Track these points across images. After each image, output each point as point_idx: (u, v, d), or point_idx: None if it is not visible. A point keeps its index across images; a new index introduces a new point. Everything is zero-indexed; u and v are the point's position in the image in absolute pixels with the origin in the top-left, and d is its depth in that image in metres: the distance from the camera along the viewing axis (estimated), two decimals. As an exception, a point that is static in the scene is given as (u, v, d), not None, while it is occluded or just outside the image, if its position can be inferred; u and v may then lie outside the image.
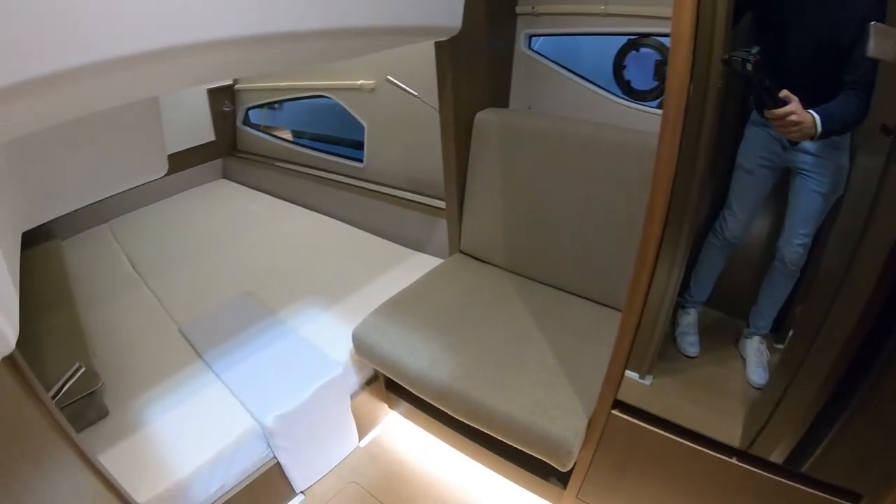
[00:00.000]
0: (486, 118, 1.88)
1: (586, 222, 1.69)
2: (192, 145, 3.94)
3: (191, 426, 1.65)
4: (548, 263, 1.83)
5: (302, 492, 1.83)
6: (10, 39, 0.69)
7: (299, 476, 1.79)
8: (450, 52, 1.72)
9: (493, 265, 1.98)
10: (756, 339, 1.39)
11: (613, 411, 1.29)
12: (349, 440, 1.95)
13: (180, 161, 3.85)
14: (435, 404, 1.57)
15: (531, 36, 1.96)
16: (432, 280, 1.93)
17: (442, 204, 2.34)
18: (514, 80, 2.00)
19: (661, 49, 1.72)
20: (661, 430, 1.23)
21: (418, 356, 1.58)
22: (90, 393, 1.65)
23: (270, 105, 3.89)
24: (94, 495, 1.13)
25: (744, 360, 1.39)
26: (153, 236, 3.20)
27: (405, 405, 1.91)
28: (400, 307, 1.79)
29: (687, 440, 1.20)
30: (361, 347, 1.74)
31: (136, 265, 2.82)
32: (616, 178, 1.60)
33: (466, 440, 1.72)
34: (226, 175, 4.18)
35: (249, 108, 3.97)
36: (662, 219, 1.01)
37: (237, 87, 3.89)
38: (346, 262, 2.50)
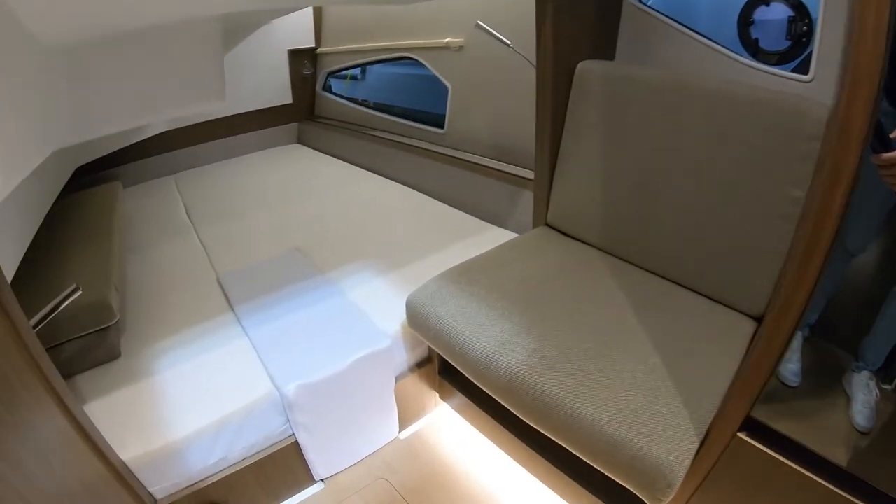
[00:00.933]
0: (589, 68, 1.56)
1: (704, 199, 1.32)
2: (268, 105, 3.92)
3: (202, 382, 1.43)
4: (652, 246, 1.46)
5: (322, 480, 1.58)
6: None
7: (321, 461, 1.52)
8: None
9: (584, 242, 1.64)
10: (865, 374, 1.21)
11: (741, 434, 0.98)
12: (387, 429, 1.66)
13: (255, 120, 3.91)
14: (497, 398, 1.24)
15: (643, -13, 1.66)
16: (510, 251, 1.60)
17: (527, 174, 2.11)
18: (620, 37, 1.70)
19: (797, 5, 1.46)
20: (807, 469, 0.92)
21: (485, 334, 1.25)
22: (102, 329, 1.51)
23: (353, 76, 3.82)
24: (68, 442, 1.00)
25: (848, 396, 1.19)
26: (215, 191, 3.16)
27: (460, 397, 1.61)
28: (468, 275, 1.47)
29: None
30: (416, 317, 1.44)
31: (191, 214, 2.77)
32: (748, 146, 1.24)
33: (528, 450, 1.39)
34: (300, 140, 4.15)
35: (330, 73, 3.90)
36: (840, 210, 0.78)
37: (319, 50, 3.84)
38: (412, 230, 2.26)
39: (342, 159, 3.48)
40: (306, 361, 1.43)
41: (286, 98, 3.98)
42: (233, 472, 1.37)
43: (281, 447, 1.44)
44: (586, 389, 1.07)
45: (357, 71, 3.77)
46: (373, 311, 1.64)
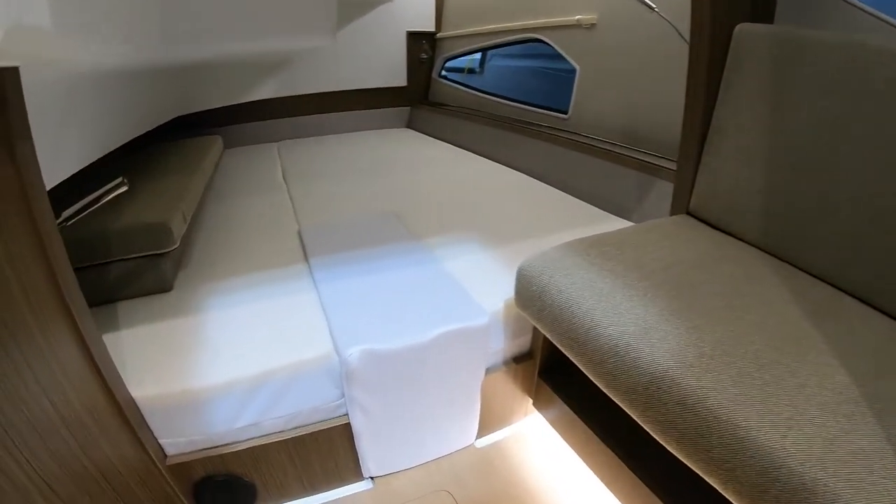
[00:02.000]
0: (751, 31, 1.27)
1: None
2: (381, 86, 3.87)
3: (250, 331, 1.23)
4: (821, 243, 1.09)
5: (372, 478, 1.32)
6: None
7: (374, 455, 1.26)
8: None
9: (734, 236, 1.28)
10: None
11: None
12: (462, 432, 1.37)
13: (366, 99, 3.88)
14: (624, 403, 0.91)
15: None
16: (649, 232, 1.27)
17: (661, 161, 1.83)
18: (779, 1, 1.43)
19: None
20: None
21: (622, 317, 0.93)
22: (157, 255, 1.37)
23: (471, 68, 3.72)
24: (75, 366, 0.86)
25: None
26: (315, 159, 3.10)
27: (559, 407, 1.28)
28: (599, 248, 1.16)
29: None
30: (527, 290, 1.13)
31: (286, 175, 2.70)
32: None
33: (642, 487, 1.05)
34: (410, 125, 4.07)
35: (447, 60, 3.80)
36: None
37: (439, 35, 3.76)
38: (524, 211, 2.00)
39: (456, 145, 3.31)
40: (379, 325, 1.18)
41: (401, 80, 3.90)
42: (264, 443, 1.15)
43: (328, 426, 1.19)
44: (761, 404, 0.73)
45: (476, 64, 3.64)
46: (471, 285, 1.36)
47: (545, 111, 2.68)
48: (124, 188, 1.21)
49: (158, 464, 1.07)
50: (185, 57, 1.51)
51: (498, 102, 3.13)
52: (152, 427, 1.06)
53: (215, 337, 1.20)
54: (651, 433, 0.87)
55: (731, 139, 1.29)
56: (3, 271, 0.68)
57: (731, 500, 0.75)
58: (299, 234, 1.77)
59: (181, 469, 1.12)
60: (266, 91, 3.47)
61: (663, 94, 1.82)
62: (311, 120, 3.77)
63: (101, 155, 1.54)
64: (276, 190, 2.40)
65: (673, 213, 1.51)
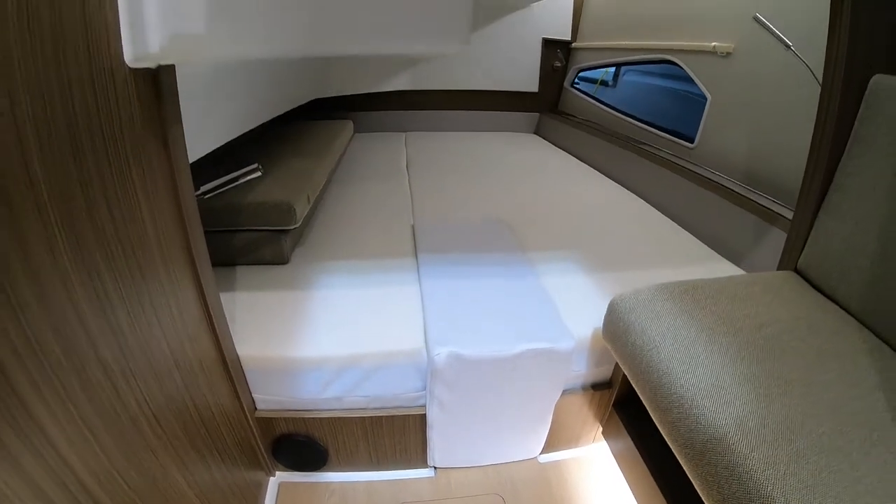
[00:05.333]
0: (887, 83, 1.17)
1: None
2: (513, 89, 3.91)
3: (350, 314, 1.33)
4: None
5: (434, 467, 1.40)
6: None
7: (442, 447, 1.34)
8: None
9: (838, 303, 1.21)
10: None
11: None
12: (528, 445, 1.42)
13: (496, 101, 3.95)
14: (681, 456, 0.92)
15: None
16: (750, 285, 1.23)
17: (780, 209, 1.74)
18: None
19: None
20: None
21: (697, 370, 0.94)
22: (278, 230, 1.52)
23: (603, 81, 3.63)
24: (185, 314, 0.93)
25: None
26: (440, 154, 3.20)
27: (626, 441, 1.29)
28: (693, 295, 1.15)
29: None
30: (615, 324, 1.15)
31: (410, 166, 2.83)
32: None
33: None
34: (538, 131, 4.10)
35: (580, 71, 3.77)
36: None
37: (574, 44, 3.74)
38: (633, 237, 1.98)
39: (578, 157, 3.30)
40: (470, 331, 1.24)
41: (532, 86, 3.92)
42: (344, 416, 1.26)
43: (405, 413, 1.28)
44: (808, 490, 0.72)
45: (609, 77, 3.56)
46: (564, 306, 1.39)
47: (672, 137, 2.60)
48: (258, 174, 1.34)
49: (248, 415, 1.21)
50: (326, 53, 1.63)
51: (625, 121, 3.07)
52: (249, 382, 1.20)
53: (319, 313, 1.31)
54: (696, 487, 0.88)
55: (851, 200, 1.21)
56: (146, 226, 0.77)
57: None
58: (413, 228, 1.86)
59: (266, 423, 1.26)
60: (400, 83, 3.60)
61: (792, 138, 1.73)
62: (440, 115, 3.89)
63: (240, 133, 1.68)
64: (397, 179, 2.51)
65: (781, 266, 1.44)
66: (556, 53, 3.78)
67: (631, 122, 3.02)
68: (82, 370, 0.58)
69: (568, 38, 3.72)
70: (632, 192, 2.57)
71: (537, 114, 4.05)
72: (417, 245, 1.71)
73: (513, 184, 2.55)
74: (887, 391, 0.92)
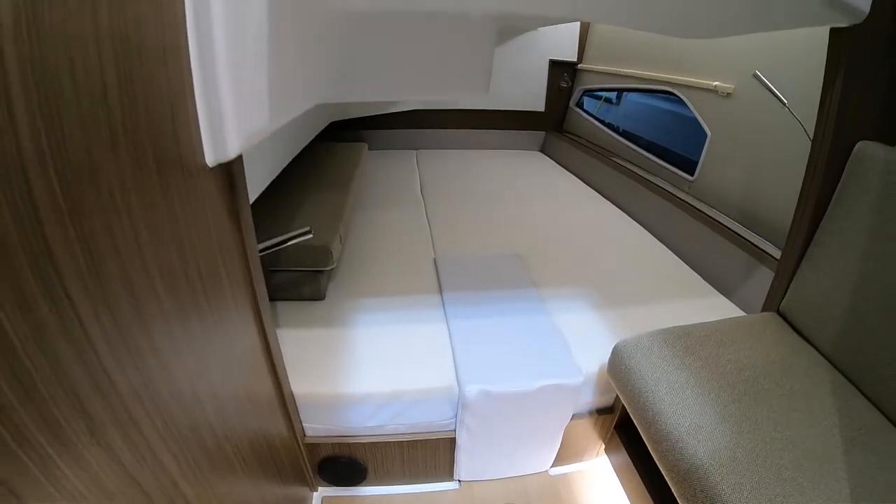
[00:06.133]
0: (868, 152, 1.31)
1: None
2: (521, 109, 4.02)
3: (390, 352, 1.50)
4: (889, 377, 1.18)
5: (459, 481, 1.59)
6: None
7: (467, 464, 1.53)
8: (848, 46, 1.28)
9: (813, 345, 1.39)
10: None
11: None
12: (541, 460, 1.61)
13: (503, 120, 4.05)
14: (668, 479, 1.12)
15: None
16: (735, 330, 1.43)
17: (771, 249, 1.91)
18: None
19: None
20: None
21: (683, 410, 1.13)
22: (316, 271, 1.65)
23: (607, 98, 3.75)
24: (254, 358, 1.07)
25: None
26: (452, 175, 3.32)
27: (624, 457, 1.49)
28: (685, 342, 1.34)
29: None
30: (617, 367, 1.35)
31: (424, 191, 2.94)
32: None
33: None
34: (544, 150, 4.21)
35: (585, 91, 3.88)
36: None
37: (580, 66, 3.86)
38: (635, 270, 2.15)
39: (581, 178, 3.45)
40: (495, 369, 1.42)
41: (538, 105, 4.04)
42: (384, 440, 1.43)
43: (437, 437, 1.46)
44: None
45: (613, 94, 3.69)
46: (574, 343, 1.57)
47: (673, 168, 2.72)
48: (310, 236, 1.50)
49: (299, 441, 1.38)
50: (356, 100, 1.77)
51: (629, 147, 3.20)
52: (301, 414, 1.37)
53: (360, 350, 1.48)
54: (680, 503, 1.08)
55: (829, 256, 1.38)
56: (223, 283, 0.85)
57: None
58: (435, 262, 2.02)
59: (314, 447, 1.43)
60: (412, 104, 3.70)
61: (785, 184, 1.85)
62: (450, 133, 4.01)
63: (278, 173, 1.75)
64: (414, 206, 2.67)
65: (767, 304, 1.62)
66: (562, 74, 3.91)
67: (634, 149, 3.14)
68: (182, 398, 0.70)
69: (574, 59, 3.84)
70: (634, 219, 2.73)
71: (543, 132, 4.18)
72: (441, 282, 1.86)
73: (522, 209, 2.70)
74: (844, 428, 1.11)
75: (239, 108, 0.76)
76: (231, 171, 0.88)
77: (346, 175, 2.52)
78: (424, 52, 1.81)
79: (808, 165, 1.46)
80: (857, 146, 1.35)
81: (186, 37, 0.67)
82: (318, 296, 1.71)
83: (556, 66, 3.88)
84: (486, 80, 2.02)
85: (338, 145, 3.14)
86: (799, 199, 1.49)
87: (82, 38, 0.47)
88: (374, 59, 1.72)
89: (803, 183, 1.48)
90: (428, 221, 2.48)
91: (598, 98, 3.78)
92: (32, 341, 0.42)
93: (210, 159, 0.77)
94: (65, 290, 0.46)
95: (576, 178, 3.46)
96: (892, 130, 1.40)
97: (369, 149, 3.70)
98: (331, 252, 1.65)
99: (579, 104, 3.95)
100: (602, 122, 3.67)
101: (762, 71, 2.00)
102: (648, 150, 3.07)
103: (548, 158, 3.98)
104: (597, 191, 3.20)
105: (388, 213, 2.55)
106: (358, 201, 2.64)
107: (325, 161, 2.73)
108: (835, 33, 1.31)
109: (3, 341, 0.39)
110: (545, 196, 3.02)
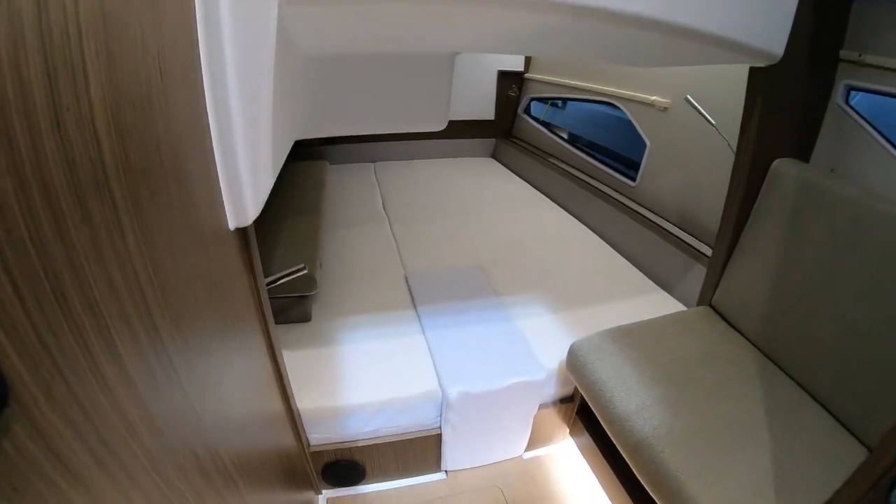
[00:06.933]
0: (783, 168, 1.56)
1: (869, 328, 1.26)
2: (471, 118, 4.16)
3: (378, 364, 1.67)
4: (803, 356, 1.44)
5: (446, 471, 1.78)
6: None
7: (452, 456, 1.73)
8: (765, 83, 1.49)
9: (741, 333, 1.67)
10: None
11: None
12: (515, 446, 1.83)
13: (456, 129, 4.04)
14: (622, 452, 1.37)
15: (850, 89, 1.57)
16: (672, 325, 1.69)
17: (705, 248, 2.16)
18: (820, 138, 1.65)
19: None
20: None
21: (629, 396, 1.38)
22: (303, 296, 1.78)
23: (554, 102, 3.94)
24: (265, 378, 1.18)
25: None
26: (411, 187, 3.46)
27: (586, 438, 1.73)
28: (629, 339, 1.60)
29: None
30: (574, 363, 1.59)
31: (386, 207, 3.07)
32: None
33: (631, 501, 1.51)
34: (495, 156, 4.38)
35: (532, 99, 4.05)
36: None
37: (527, 75, 4.01)
38: (586, 272, 2.38)
39: (531, 184, 3.65)
40: (471, 372, 1.63)
41: (489, 114, 4.22)
42: (379, 442, 1.61)
43: (426, 434, 1.65)
44: (698, 471, 1.17)
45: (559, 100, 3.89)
46: (535, 343, 1.79)
47: (615, 174, 2.94)
48: (304, 272, 1.66)
49: (305, 450, 1.51)
50: (322, 135, 1.91)
51: (574, 153, 3.41)
52: (306, 426, 1.52)
53: (351, 365, 1.65)
54: (634, 471, 1.32)
55: (749, 259, 1.65)
56: (244, 316, 0.97)
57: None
58: (406, 279, 2.19)
59: (318, 454, 1.59)
60: None
61: (717, 189, 1.96)
62: (405, 144, 4.15)
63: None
64: (379, 223, 2.80)
65: (701, 299, 1.88)
66: (510, 84, 4.09)
67: (579, 155, 3.34)
68: (206, 413, 0.74)
69: (521, 69, 4.03)
70: (582, 222, 2.95)
71: (493, 139, 4.36)
72: (414, 297, 2.04)
73: (479, 219, 2.91)
74: (767, 402, 1.36)
75: (253, 180, 0.90)
76: (246, 231, 1.02)
77: (315, 198, 2.66)
78: (387, 89, 1.96)
79: (731, 180, 1.70)
80: (774, 163, 1.59)
81: (208, 123, 0.80)
82: (306, 318, 1.86)
83: (504, 76, 4.06)
84: (445, 113, 2.20)
85: (300, 164, 3.24)
86: (724, 208, 1.74)
87: (154, 137, 0.60)
88: (339, 99, 1.87)
89: (728, 194, 1.72)
90: (394, 238, 2.62)
91: (546, 101, 3.98)
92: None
93: (232, 226, 0.92)
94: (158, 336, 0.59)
95: (526, 184, 3.68)
96: (806, 148, 1.65)
97: (329, 163, 3.77)
98: (314, 279, 1.82)
99: (527, 110, 4.14)
100: (547, 125, 3.86)
101: (694, 89, 2.17)
102: (594, 151, 3.25)
103: (499, 164, 4.17)
104: (546, 195, 3.41)
105: (356, 231, 2.66)
106: (325, 219, 2.71)
107: (292, 182, 2.84)
108: (753, 70, 1.53)
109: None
110: (499, 204, 3.23)
